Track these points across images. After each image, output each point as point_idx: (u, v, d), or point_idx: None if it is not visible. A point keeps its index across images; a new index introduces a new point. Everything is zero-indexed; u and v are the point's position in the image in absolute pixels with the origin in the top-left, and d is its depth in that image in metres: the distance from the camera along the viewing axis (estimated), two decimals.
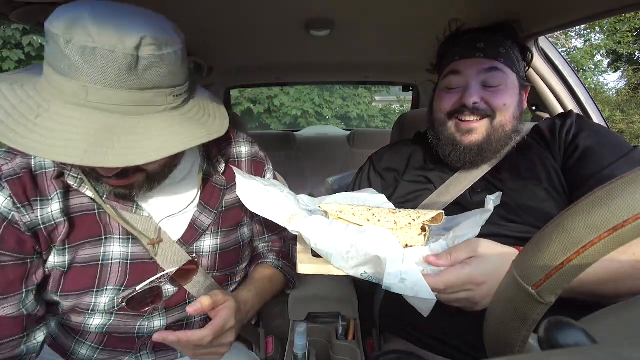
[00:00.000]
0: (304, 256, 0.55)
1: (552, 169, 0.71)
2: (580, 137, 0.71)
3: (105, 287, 0.63)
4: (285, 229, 0.77)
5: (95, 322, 0.65)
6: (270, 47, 1.44)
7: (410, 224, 0.55)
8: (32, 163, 0.59)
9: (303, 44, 1.38)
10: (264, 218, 0.73)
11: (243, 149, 0.80)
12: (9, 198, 0.55)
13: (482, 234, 0.54)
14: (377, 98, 10.62)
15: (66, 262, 0.61)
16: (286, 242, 0.88)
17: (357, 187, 0.94)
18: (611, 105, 8.07)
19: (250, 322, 0.87)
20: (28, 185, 0.57)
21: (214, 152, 0.74)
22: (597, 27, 8.72)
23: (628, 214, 0.26)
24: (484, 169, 0.78)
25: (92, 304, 0.62)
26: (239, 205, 0.76)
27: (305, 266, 0.53)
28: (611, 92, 8.89)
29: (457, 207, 0.75)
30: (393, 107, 10.70)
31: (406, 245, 0.56)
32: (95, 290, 0.62)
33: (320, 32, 1.18)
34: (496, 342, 0.36)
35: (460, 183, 0.78)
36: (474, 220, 0.53)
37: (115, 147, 0.48)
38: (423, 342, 0.71)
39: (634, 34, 8.56)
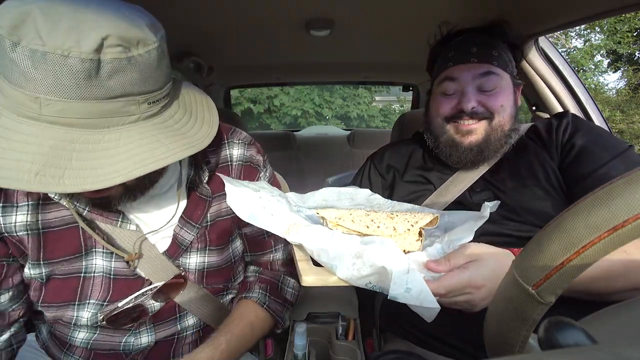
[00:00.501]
0: (306, 266, 0.53)
1: (549, 168, 0.72)
2: (577, 137, 0.72)
3: (87, 301, 0.59)
4: (276, 250, 0.74)
5: (80, 335, 0.62)
6: (270, 47, 1.44)
7: (408, 230, 0.56)
8: None
9: (303, 44, 1.38)
10: (251, 234, 0.70)
11: (235, 152, 0.70)
12: None
13: (481, 232, 0.54)
14: (377, 98, 10.62)
15: (43, 274, 0.57)
16: (278, 271, 0.76)
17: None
18: (611, 105, 8.07)
19: None
20: None
21: (199, 158, 0.65)
22: (597, 27, 8.72)
23: (628, 214, 0.26)
24: (483, 169, 0.79)
25: (74, 317, 0.59)
26: (230, 217, 0.69)
27: (309, 278, 0.51)
28: (611, 92, 8.89)
29: (458, 207, 0.76)
30: (393, 107, 10.71)
31: (404, 251, 0.56)
32: (76, 303, 0.59)
33: (320, 32, 1.18)
34: (496, 342, 0.36)
35: (460, 183, 0.79)
36: (469, 225, 0.54)
37: (74, 168, 0.41)
38: (424, 341, 0.71)
39: (634, 34, 8.56)
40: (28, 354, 0.68)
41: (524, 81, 1.23)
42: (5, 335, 0.60)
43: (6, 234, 0.54)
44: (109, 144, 0.43)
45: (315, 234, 0.52)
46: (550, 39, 1.19)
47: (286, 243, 0.74)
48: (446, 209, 0.76)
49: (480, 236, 0.61)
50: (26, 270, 0.57)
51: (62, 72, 0.39)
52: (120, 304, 0.58)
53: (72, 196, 0.54)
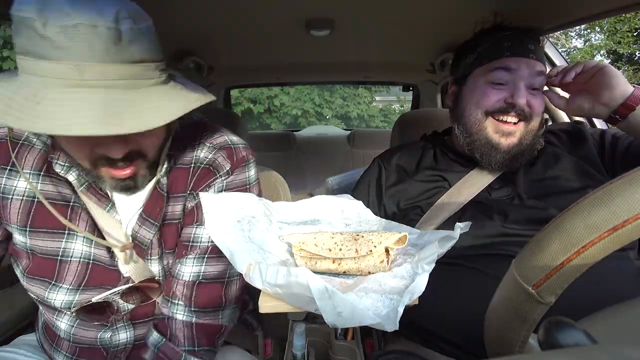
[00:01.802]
0: (267, 296, 0.53)
1: (569, 167, 0.73)
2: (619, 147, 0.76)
3: (61, 284, 0.60)
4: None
5: (62, 325, 0.63)
6: (270, 47, 1.44)
7: (371, 251, 0.55)
8: (18, 135, 0.60)
9: (303, 44, 1.38)
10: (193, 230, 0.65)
11: (202, 154, 0.65)
12: None
13: (497, 233, 0.61)
14: (377, 98, 10.62)
15: (27, 246, 0.60)
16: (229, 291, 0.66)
17: (366, 189, 0.93)
18: None
19: (248, 327, 0.85)
20: (2, 153, 0.59)
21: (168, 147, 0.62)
22: (597, 27, 8.73)
23: (628, 214, 0.26)
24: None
25: (52, 300, 0.60)
26: (177, 224, 0.64)
27: (267, 305, 0.52)
28: None
29: (478, 207, 0.74)
30: (393, 107, 10.71)
31: (369, 273, 0.56)
32: (52, 283, 0.60)
33: (320, 32, 1.18)
34: (496, 342, 0.36)
35: (476, 183, 0.78)
36: (440, 244, 0.52)
37: (128, 115, 0.47)
38: (427, 341, 0.71)
39: (634, 34, 8.56)
40: (31, 354, 0.68)
41: None
42: None
43: (1, 194, 0.59)
44: (144, 100, 0.49)
45: (266, 275, 0.51)
46: (550, 39, 1.19)
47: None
48: (464, 209, 0.75)
49: (496, 237, 0.61)
50: (16, 237, 0.61)
51: (94, 39, 0.45)
52: (93, 299, 0.59)
53: (97, 179, 0.57)
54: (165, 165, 0.62)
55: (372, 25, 1.17)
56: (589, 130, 0.81)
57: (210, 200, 0.62)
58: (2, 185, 0.58)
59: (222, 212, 0.60)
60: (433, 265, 0.51)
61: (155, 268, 0.64)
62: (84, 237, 0.60)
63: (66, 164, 0.58)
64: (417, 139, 1.00)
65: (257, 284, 0.52)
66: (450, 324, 0.67)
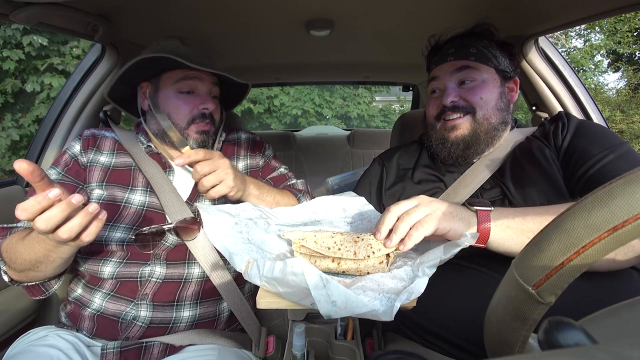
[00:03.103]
0: (263, 291, 0.54)
1: (554, 166, 0.73)
2: (571, 138, 0.74)
3: (120, 224, 0.80)
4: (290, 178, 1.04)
5: (108, 269, 0.79)
6: (270, 47, 1.44)
7: (369, 256, 0.56)
8: (99, 133, 0.92)
9: (303, 44, 1.38)
10: (271, 178, 1.02)
11: (243, 135, 1.05)
12: (80, 147, 0.88)
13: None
14: (377, 98, 10.62)
15: (102, 196, 0.82)
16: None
17: (367, 189, 0.94)
18: (611, 105, 8.06)
19: (252, 316, 0.88)
20: (91, 142, 0.90)
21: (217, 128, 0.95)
22: (597, 27, 8.72)
23: (628, 214, 0.26)
24: (492, 168, 0.80)
25: (109, 239, 0.78)
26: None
27: (264, 300, 0.53)
28: (611, 92, 8.88)
29: None
30: (393, 107, 10.70)
31: (367, 273, 0.57)
32: (111, 224, 0.80)
33: (320, 32, 1.18)
34: (496, 342, 0.36)
35: (470, 183, 0.79)
36: (445, 250, 0.52)
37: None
38: (427, 341, 0.71)
39: (634, 34, 8.56)
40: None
41: (524, 81, 1.24)
42: None
43: (89, 164, 0.86)
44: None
45: (264, 270, 0.52)
46: (550, 39, 1.19)
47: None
48: None
49: None
50: (95, 191, 0.83)
51: None
52: (145, 229, 0.78)
53: (183, 136, 0.87)
54: (222, 138, 0.99)
55: (372, 25, 1.17)
56: (560, 127, 0.78)
57: (208, 209, 0.63)
58: (91, 158, 0.87)
59: (220, 217, 0.61)
60: (434, 270, 0.51)
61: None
62: (141, 190, 0.85)
63: (147, 144, 0.91)
64: (416, 139, 1.01)
65: (255, 280, 0.52)
66: (450, 324, 0.67)
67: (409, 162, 0.93)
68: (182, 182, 0.89)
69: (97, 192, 0.83)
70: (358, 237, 0.59)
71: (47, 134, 1.21)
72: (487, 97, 0.79)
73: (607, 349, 0.17)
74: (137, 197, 0.84)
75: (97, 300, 0.79)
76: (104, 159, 0.88)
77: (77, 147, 0.88)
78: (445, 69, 0.83)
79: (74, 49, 5.36)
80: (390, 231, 0.58)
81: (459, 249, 0.51)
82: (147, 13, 0.99)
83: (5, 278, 0.73)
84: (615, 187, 0.27)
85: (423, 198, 0.61)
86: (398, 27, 1.18)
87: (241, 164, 1.00)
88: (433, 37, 0.91)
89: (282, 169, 1.06)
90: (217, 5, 0.97)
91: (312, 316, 0.95)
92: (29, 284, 0.75)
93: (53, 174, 0.84)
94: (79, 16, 0.89)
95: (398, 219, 0.59)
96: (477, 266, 0.68)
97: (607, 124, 1.21)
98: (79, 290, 0.83)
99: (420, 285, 0.49)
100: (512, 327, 0.33)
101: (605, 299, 0.47)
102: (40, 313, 1.14)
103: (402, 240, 0.57)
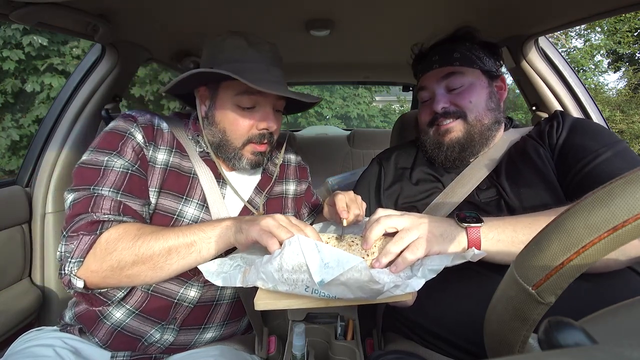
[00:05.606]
0: (262, 293, 0.55)
1: (550, 166, 0.72)
2: (566, 137, 0.74)
3: None
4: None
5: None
6: None
7: (368, 255, 0.59)
8: (155, 122, 0.77)
9: (303, 44, 1.38)
10: (306, 205, 1.00)
11: (292, 157, 1.01)
12: (143, 136, 0.73)
13: None
14: (377, 98, 10.62)
15: (154, 205, 0.73)
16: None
17: (366, 189, 0.94)
18: (611, 105, 8.05)
19: (257, 313, 0.87)
20: (150, 132, 0.75)
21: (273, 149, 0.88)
22: (597, 27, 8.72)
23: (628, 214, 0.26)
24: (489, 167, 0.80)
25: None
26: (280, 197, 0.93)
27: (261, 302, 0.53)
28: (611, 92, 8.87)
29: (469, 206, 0.77)
30: (393, 107, 10.71)
31: (371, 266, 0.59)
32: None
33: (320, 32, 1.18)
34: (496, 342, 0.36)
35: (467, 183, 0.80)
36: (451, 258, 0.53)
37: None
38: (427, 341, 0.71)
39: (634, 34, 8.55)
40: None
41: (524, 81, 1.24)
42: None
43: (150, 163, 0.74)
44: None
45: (261, 273, 0.52)
46: (550, 39, 1.19)
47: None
48: (459, 208, 0.77)
49: None
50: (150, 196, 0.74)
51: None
52: None
53: (238, 155, 0.79)
54: (279, 161, 0.94)
55: (372, 26, 1.17)
56: (555, 126, 0.78)
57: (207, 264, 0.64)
58: (150, 156, 0.74)
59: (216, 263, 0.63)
60: (434, 275, 0.52)
61: None
62: (197, 203, 0.77)
63: (205, 150, 0.81)
64: (414, 139, 1.01)
65: (254, 281, 0.52)
66: (450, 324, 0.67)
67: (407, 162, 0.93)
68: (232, 200, 0.82)
69: (152, 197, 0.73)
70: (352, 242, 0.62)
71: (47, 134, 1.21)
72: (477, 100, 0.81)
73: (607, 349, 0.17)
74: (191, 211, 0.75)
75: (119, 315, 0.72)
76: (161, 156, 0.75)
77: (139, 136, 0.73)
78: (431, 77, 0.85)
79: (74, 49, 5.36)
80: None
81: (464, 261, 0.53)
82: (147, 13, 0.99)
83: (79, 284, 0.63)
84: (615, 187, 0.27)
85: (413, 218, 0.60)
86: (398, 27, 1.18)
87: (291, 188, 0.96)
88: (416, 45, 0.92)
89: (315, 191, 1.06)
90: (217, 5, 0.97)
91: (312, 316, 0.94)
92: (102, 290, 0.67)
93: (119, 165, 0.69)
94: (78, 16, 0.89)
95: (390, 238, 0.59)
96: (476, 266, 0.68)
97: (607, 124, 1.21)
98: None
99: (415, 284, 0.50)
100: (512, 327, 0.33)
101: (605, 299, 0.47)
102: (41, 313, 1.15)
103: (392, 261, 0.57)
